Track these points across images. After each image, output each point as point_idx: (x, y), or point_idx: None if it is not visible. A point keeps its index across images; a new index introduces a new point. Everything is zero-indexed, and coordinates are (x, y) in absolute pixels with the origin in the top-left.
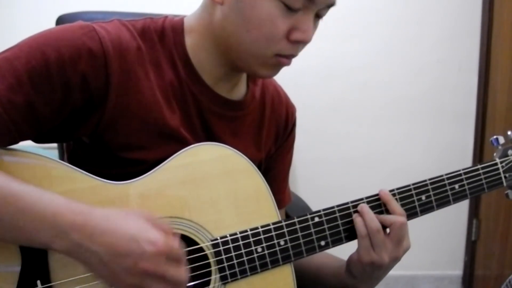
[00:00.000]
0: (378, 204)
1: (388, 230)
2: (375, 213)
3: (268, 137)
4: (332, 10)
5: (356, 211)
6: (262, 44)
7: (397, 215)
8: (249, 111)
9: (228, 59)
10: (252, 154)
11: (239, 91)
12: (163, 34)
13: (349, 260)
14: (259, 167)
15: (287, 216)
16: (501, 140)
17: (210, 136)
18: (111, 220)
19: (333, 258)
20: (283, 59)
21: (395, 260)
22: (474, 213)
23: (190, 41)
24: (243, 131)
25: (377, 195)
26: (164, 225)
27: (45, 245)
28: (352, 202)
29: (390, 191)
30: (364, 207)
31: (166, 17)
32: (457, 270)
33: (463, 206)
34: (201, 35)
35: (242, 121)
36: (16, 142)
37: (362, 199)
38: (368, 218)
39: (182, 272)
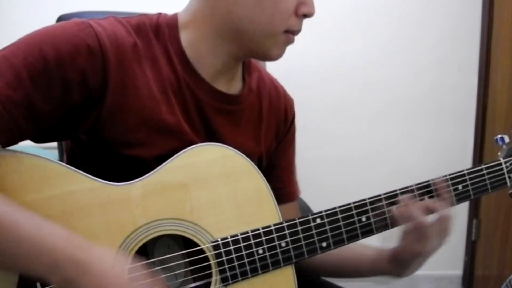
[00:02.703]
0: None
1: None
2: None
3: (268, 131)
4: (332, 10)
5: (391, 204)
6: (277, 21)
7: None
8: (246, 104)
9: (232, 47)
10: (252, 147)
11: (236, 85)
12: (158, 30)
13: (391, 251)
14: (259, 162)
15: None
16: (506, 139)
17: (209, 130)
18: (107, 262)
19: (366, 247)
20: (291, 35)
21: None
22: (474, 213)
23: (185, 35)
24: (242, 125)
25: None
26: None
27: (41, 277)
28: (354, 203)
29: (391, 192)
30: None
31: (159, 14)
32: (457, 270)
33: (463, 206)
34: (199, 28)
35: (240, 115)
36: (16, 142)
37: (364, 199)
38: (412, 210)
39: None
